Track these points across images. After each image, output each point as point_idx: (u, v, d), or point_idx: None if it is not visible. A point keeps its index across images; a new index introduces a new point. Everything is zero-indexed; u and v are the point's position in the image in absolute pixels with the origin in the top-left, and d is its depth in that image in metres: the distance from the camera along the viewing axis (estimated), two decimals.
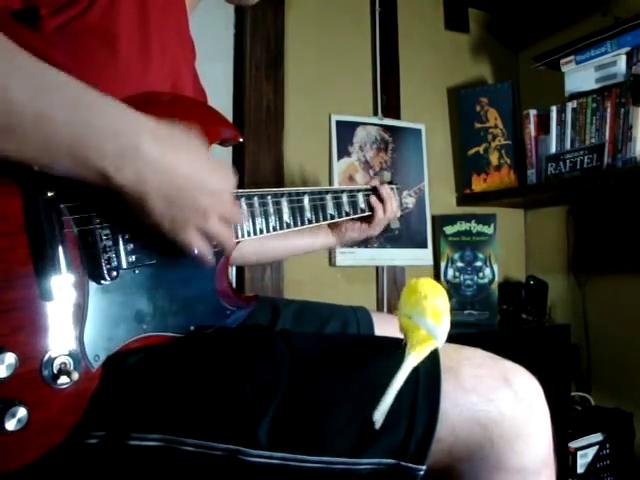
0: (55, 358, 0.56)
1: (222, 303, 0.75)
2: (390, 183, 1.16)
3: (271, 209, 0.85)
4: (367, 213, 1.10)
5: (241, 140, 0.78)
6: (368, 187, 1.12)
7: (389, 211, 1.11)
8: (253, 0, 0.94)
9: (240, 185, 1.68)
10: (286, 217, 0.88)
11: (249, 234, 0.82)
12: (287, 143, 1.75)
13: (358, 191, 1.08)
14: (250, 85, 1.71)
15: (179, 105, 0.75)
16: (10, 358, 0.53)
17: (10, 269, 0.54)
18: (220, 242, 0.68)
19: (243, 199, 0.81)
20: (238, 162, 1.70)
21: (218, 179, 0.65)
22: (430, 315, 0.62)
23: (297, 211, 0.91)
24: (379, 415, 0.54)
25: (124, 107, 0.58)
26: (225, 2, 0.96)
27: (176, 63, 0.79)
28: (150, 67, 0.72)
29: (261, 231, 0.83)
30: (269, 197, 0.85)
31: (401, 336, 0.65)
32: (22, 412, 0.53)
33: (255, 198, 0.83)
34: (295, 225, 0.90)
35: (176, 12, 0.81)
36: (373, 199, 1.09)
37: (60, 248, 0.57)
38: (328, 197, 0.99)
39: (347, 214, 1.04)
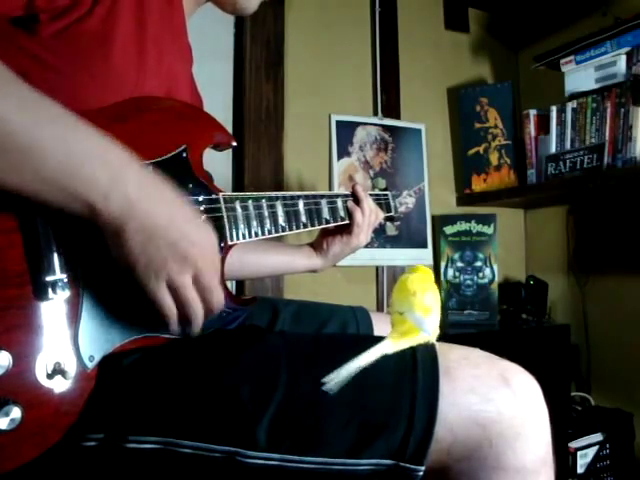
0: (49, 357, 0.56)
1: None
2: (385, 189, 1.15)
3: (266, 212, 0.82)
4: (347, 222, 1.00)
5: (234, 144, 0.77)
6: (347, 193, 1.02)
7: (367, 213, 1.01)
8: (249, 10, 0.93)
9: (240, 185, 1.69)
10: (281, 220, 0.85)
11: (244, 237, 0.79)
12: (287, 143, 1.75)
13: (337, 197, 0.99)
14: (250, 85, 1.71)
15: (172, 110, 0.74)
16: (4, 357, 0.52)
17: (5, 268, 0.54)
18: (189, 311, 0.63)
19: (237, 202, 0.77)
20: (238, 162, 1.70)
21: (202, 233, 0.62)
22: (418, 309, 0.64)
23: (292, 215, 0.87)
24: (331, 386, 0.57)
25: (109, 140, 0.57)
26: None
27: (172, 69, 0.79)
28: (145, 73, 0.72)
29: (256, 234, 0.80)
30: (263, 200, 0.82)
31: None
32: (16, 411, 0.52)
33: (250, 201, 0.80)
34: (291, 229, 0.86)
35: (174, 18, 0.81)
36: (350, 203, 1.00)
37: (54, 247, 0.57)
38: (300, 203, 0.91)
39: (342, 219, 0.99)
